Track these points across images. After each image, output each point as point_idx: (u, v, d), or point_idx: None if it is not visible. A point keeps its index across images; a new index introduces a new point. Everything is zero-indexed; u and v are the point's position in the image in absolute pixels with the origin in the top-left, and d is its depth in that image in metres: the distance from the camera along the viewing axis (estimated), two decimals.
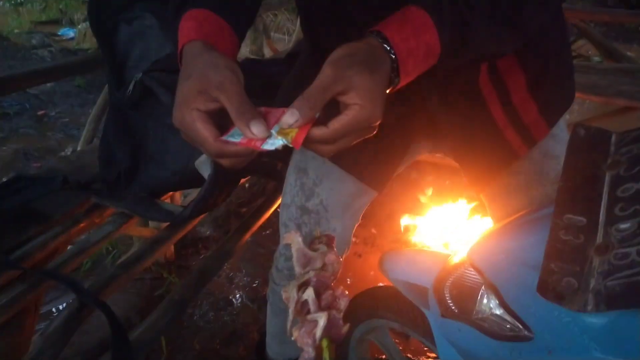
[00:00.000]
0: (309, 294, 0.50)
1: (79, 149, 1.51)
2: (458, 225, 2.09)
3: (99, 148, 1.20)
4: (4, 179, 2.18)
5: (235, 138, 0.54)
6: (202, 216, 1.22)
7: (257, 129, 0.52)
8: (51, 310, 1.73)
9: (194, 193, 1.11)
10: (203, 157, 1.08)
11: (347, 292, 0.55)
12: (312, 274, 0.52)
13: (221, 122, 0.55)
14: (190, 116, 0.53)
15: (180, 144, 1.14)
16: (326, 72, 0.53)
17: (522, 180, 0.89)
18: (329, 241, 0.56)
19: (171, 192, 1.34)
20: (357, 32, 0.64)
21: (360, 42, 0.56)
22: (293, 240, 0.56)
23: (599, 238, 0.58)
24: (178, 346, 1.66)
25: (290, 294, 0.50)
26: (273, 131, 0.54)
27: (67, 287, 0.86)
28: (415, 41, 0.56)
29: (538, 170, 0.87)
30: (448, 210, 2.21)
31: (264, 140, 0.53)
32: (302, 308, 0.50)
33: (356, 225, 1.03)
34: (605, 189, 0.64)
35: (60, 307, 1.74)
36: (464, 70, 0.77)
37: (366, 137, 0.57)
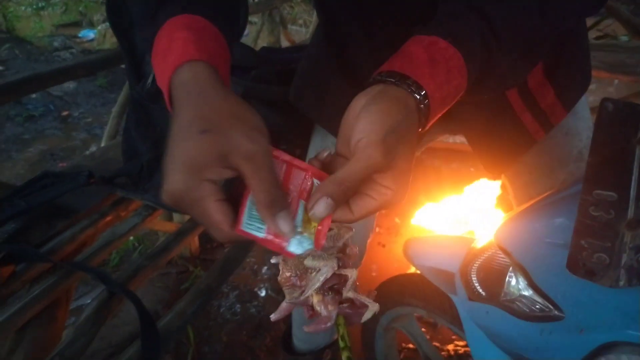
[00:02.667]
0: (354, 273, 0.48)
1: (102, 144, 1.54)
2: (482, 211, 2.06)
3: (122, 142, 1.21)
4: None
5: (257, 232, 0.43)
6: None
7: (284, 225, 0.42)
8: (81, 306, 1.77)
9: None
10: None
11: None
12: (337, 255, 0.49)
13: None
14: (201, 190, 0.40)
15: None
16: (372, 157, 0.42)
17: (545, 161, 0.87)
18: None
19: None
20: (374, 18, 0.62)
21: (397, 102, 0.45)
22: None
23: (630, 213, 0.56)
24: (205, 338, 1.69)
25: (324, 263, 0.47)
26: (298, 219, 0.44)
27: (95, 278, 0.88)
28: (448, 88, 0.48)
29: (560, 149, 0.86)
30: (472, 196, 2.19)
31: (288, 239, 0.43)
32: (328, 281, 0.47)
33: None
34: (636, 164, 0.62)
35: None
36: None
37: None
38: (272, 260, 0.50)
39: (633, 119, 0.71)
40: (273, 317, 0.50)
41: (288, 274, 0.48)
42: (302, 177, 0.46)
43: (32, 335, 0.84)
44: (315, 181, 0.46)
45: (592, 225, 0.56)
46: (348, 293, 0.48)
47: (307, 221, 0.44)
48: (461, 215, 2.13)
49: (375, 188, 0.44)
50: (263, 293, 1.89)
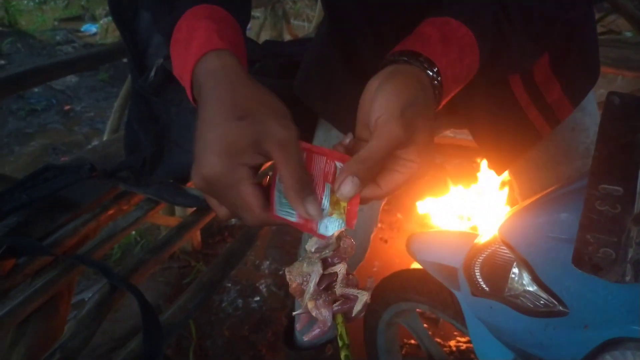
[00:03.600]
0: (341, 268, 0.49)
1: (104, 138, 1.54)
2: (485, 206, 2.06)
3: (124, 135, 1.21)
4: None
5: (289, 216, 0.45)
6: None
7: (312, 210, 0.44)
8: (83, 299, 1.77)
9: None
10: None
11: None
12: (329, 253, 0.49)
13: None
14: (238, 173, 0.42)
15: None
16: (393, 132, 0.42)
17: (551, 156, 0.86)
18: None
19: None
20: (380, 11, 0.61)
21: (412, 78, 0.46)
22: None
23: (637, 208, 0.55)
24: (207, 333, 1.69)
25: (311, 268, 0.48)
26: (325, 202, 0.46)
27: (98, 271, 0.88)
28: (460, 66, 0.49)
29: (567, 145, 0.85)
30: (474, 191, 2.18)
31: (317, 222, 0.46)
32: (320, 282, 0.48)
33: (383, 203, 1.03)
34: None
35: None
36: None
37: None
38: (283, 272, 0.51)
39: (638, 112, 0.70)
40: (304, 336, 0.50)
41: (295, 284, 0.48)
42: (324, 162, 0.47)
43: (33, 328, 0.84)
44: (338, 164, 0.47)
45: (598, 220, 0.56)
46: (338, 289, 0.49)
47: (335, 203, 0.46)
48: (464, 211, 2.12)
49: (401, 163, 0.45)
50: (265, 288, 1.89)
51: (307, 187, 0.43)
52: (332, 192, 0.45)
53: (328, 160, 0.47)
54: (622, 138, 0.66)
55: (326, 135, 0.94)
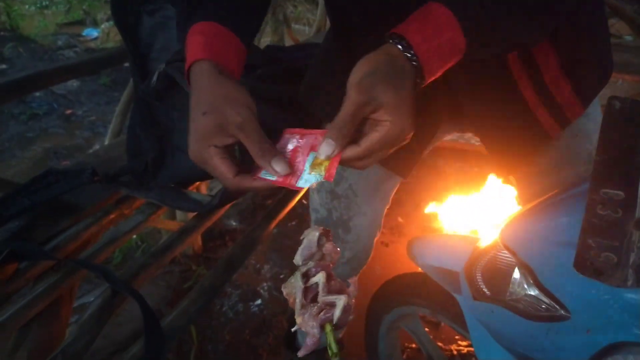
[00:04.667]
0: (320, 277, 0.51)
1: (106, 142, 1.54)
2: (487, 210, 2.06)
3: (126, 139, 1.21)
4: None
5: (270, 177, 0.55)
6: (227, 206, 1.23)
7: (279, 167, 0.54)
8: (84, 304, 1.77)
9: (220, 183, 1.12)
10: None
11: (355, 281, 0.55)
12: (312, 264, 0.53)
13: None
14: (208, 152, 0.54)
15: None
16: (352, 97, 0.52)
17: (553, 160, 0.85)
18: (326, 233, 0.56)
19: (197, 183, 1.35)
20: (386, 18, 0.62)
21: (380, 53, 0.54)
22: (310, 233, 0.56)
23: (638, 212, 0.56)
24: (208, 337, 1.69)
25: (295, 284, 0.52)
26: (307, 165, 0.55)
27: (99, 276, 0.88)
28: (438, 41, 0.54)
29: (570, 150, 0.84)
30: (476, 196, 2.18)
31: (297, 177, 0.55)
32: (306, 295, 0.51)
33: (387, 207, 1.03)
34: None
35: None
36: None
37: (400, 146, 0.57)
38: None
39: (639, 117, 0.70)
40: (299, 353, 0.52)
41: (291, 299, 0.52)
42: (313, 138, 0.58)
43: (35, 332, 0.84)
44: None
45: (599, 224, 0.56)
46: (320, 298, 0.50)
47: (318, 164, 0.55)
48: (466, 215, 2.12)
49: (374, 124, 0.54)
50: (265, 292, 1.89)
51: (268, 152, 0.54)
52: (316, 157, 0.55)
53: (317, 137, 0.58)
54: (623, 142, 0.67)
55: None
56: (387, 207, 1.04)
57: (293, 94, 1.09)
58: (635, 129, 0.67)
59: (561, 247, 0.65)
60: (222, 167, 0.54)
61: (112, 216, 1.09)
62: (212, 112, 0.55)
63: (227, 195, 1.06)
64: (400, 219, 2.26)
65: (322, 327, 0.50)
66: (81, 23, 6.66)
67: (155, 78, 1.12)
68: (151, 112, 1.18)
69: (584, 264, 0.53)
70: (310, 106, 0.93)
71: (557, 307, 0.62)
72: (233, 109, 0.54)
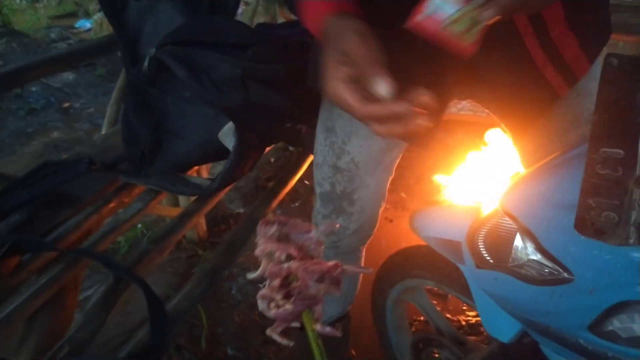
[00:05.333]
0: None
1: (103, 132, 1.53)
2: (489, 180, 2.04)
3: (121, 127, 1.20)
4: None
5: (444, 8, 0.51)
6: (228, 189, 1.22)
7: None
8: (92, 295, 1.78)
9: (221, 165, 1.11)
10: (226, 129, 1.08)
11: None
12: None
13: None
14: (332, 86, 0.54)
15: (200, 117, 1.13)
16: None
17: (557, 123, 0.85)
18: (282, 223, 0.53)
19: (197, 167, 1.35)
20: None
21: None
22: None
23: (639, 169, 0.55)
24: (218, 320, 1.70)
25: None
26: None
27: (101, 264, 0.88)
28: None
29: (572, 111, 0.83)
30: (478, 166, 2.17)
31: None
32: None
33: (390, 178, 1.03)
34: None
35: None
36: None
37: None
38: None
39: (637, 73, 0.69)
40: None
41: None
42: None
43: (41, 323, 0.84)
44: None
45: (599, 184, 0.55)
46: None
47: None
48: (469, 186, 2.11)
49: None
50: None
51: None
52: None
53: None
54: (621, 100, 0.65)
55: (329, 114, 0.95)
56: (391, 177, 1.04)
57: (288, 73, 1.08)
58: (633, 85, 0.65)
59: (562, 210, 0.64)
60: (345, 95, 0.53)
61: (112, 205, 1.09)
62: (328, 46, 0.56)
63: (227, 177, 1.06)
64: (402, 194, 2.25)
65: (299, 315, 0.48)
66: (73, 15, 6.59)
67: (146, 63, 1.11)
68: (144, 98, 1.17)
69: (585, 225, 0.52)
70: (318, 90, 0.92)
71: (560, 270, 0.61)
72: (345, 37, 0.55)
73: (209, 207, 1.15)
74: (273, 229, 0.50)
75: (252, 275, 0.51)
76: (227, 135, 1.04)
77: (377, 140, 0.92)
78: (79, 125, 3.45)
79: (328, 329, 0.50)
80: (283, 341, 0.51)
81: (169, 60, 1.07)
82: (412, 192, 2.26)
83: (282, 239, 0.51)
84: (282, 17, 3.55)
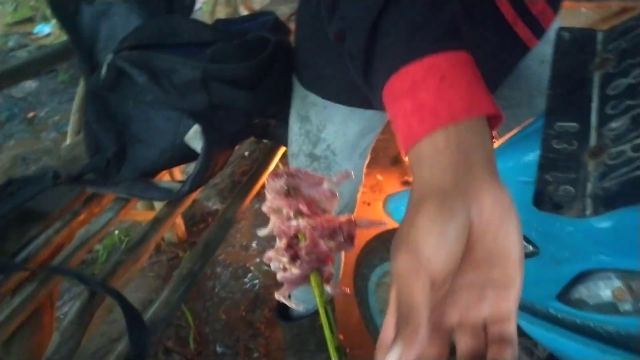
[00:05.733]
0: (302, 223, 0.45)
1: (67, 141, 1.50)
2: None
3: (84, 137, 1.17)
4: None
5: None
6: (201, 189, 1.21)
7: None
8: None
9: (194, 163, 1.10)
10: (192, 132, 1.06)
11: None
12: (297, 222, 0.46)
13: None
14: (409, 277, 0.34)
15: (164, 121, 1.11)
16: None
17: (523, 91, 0.88)
18: (291, 175, 0.48)
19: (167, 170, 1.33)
20: None
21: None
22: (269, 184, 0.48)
23: (592, 141, 0.56)
24: (204, 319, 1.70)
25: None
26: None
27: (74, 279, 0.87)
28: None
29: (537, 78, 0.86)
30: None
31: None
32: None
33: (366, 162, 1.05)
34: (595, 90, 0.62)
35: None
36: None
37: None
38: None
39: (589, 45, 0.70)
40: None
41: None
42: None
43: (19, 345, 0.83)
44: None
45: (556, 159, 0.56)
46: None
47: None
48: None
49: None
50: (255, 268, 1.89)
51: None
52: None
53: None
54: (574, 74, 0.66)
55: (303, 102, 0.95)
56: (367, 161, 1.06)
57: (249, 70, 1.06)
58: (585, 58, 0.66)
59: (527, 186, 0.65)
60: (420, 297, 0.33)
61: (81, 217, 1.07)
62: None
63: (197, 180, 1.05)
64: (379, 177, 2.27)
65: (307, 277, 0.44)
66: (31, 20, 6.40)
67: (104, 70, 1.08)
68: (105, 105, 1.14)
69: (543, 200, 0.53)
70: (306, 87, 0.92)
71: (525, 244, 0.62)
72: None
73: (182, 209, 1.14)
74: (281, 182, 0.45)
75: (262, 232, 0.47)
76: (194, 138, 1.03)
77: (352, 125, 0.93)
78: (45, 135, 3.37)
79: (339, 290, 0.47)
80: (292, 304, 0.48)
81: (127, 66, 1.05)
82: (389, 174, 2.27)
83: (292, 192, 0.46)
84: (244, 7, 3.51)
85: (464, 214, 0.34)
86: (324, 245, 0.45)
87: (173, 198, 1.11)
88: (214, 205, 2.24)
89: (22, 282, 0.92)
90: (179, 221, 1.92)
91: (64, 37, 5.33)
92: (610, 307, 0.56)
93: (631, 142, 0.51)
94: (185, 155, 1.13)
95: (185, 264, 0.99)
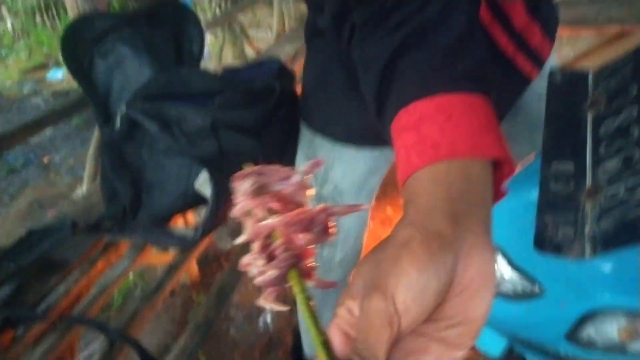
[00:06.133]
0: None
1: (84, 188, 1.54)
2: None
3: (101, 185, 1.22)
4: (22, 234, 2.24)
5: None
6: (213, 234, 1.24)
7: None
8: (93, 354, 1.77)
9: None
10: (202, 178, 1.10)
11: None
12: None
13: None
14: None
15: (176, 168, 1.16)
16: None
17: (523, 125, 0.89)
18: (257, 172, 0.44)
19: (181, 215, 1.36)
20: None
21: None
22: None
23: (588, 181, 0.58)
24: None
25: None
26: None
27: (94, 329, 0.89)
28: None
29: (536, 112, 0.88)
30: None
31: None
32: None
33: (371, 206, 1.05)
34: (589, 130, 0.64)
35: None
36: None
37: None
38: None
39: (581, 86, 0.73)
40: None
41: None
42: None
43: None
44: None
45: (554, 200, 0.58)
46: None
47: None
48: None
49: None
50: (269, 309, 1.89)
51: None
52: None
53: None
54: (568, 114, 0.69)
55: (310, 143, 0.97)
56: (373, 202, 1.06)
57: (256, 117, 1.10)
58: (577, 99, 0.69)
59: (529, 225, 0.67)
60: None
61: (99, 265, 1.10)
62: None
63: (208, 226, 1.08)
64: (389, 210, 2.28)
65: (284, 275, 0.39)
66: (44, 66, 6.60)
67: (118, 122, 1.13)
68: (120, 154, 1.19)
69: (544, 242, 0.55)
70: (312, 126, 0.93)
71: (532, 284, 0.64)
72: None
73: (196, 253, 1.17)
74: (248, 183, 0.43)
75: (238, 241, 0.44)
76: (204, 185, 1.07)
77: (360, 165, 0.93)
78: (60, 180, 3.45)
79: (324, 281, 0.43)
80: (277, 308, 0.42)
81: (140, 117, 1.10)
82: (399, 208, 2.29)
83: (261, 191, 0.43)
84: (250, 47, 3.62)
85: (450, 271, 0.33)
86: (300, 239, 0.41)
87: (185, 245, 1.14)
88: (226, 245, 2.26)
89: (44, 333, 0.94)
90: (192, 263, 1.94)
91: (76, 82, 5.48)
92: (619, 347, 0.57)
93: (624, 184, 0.53)
94: (197, 200, 1.17)
95: (201, 310, 1.01)
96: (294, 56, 2.59)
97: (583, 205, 0.56)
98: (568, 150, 0.63)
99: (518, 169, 0.80)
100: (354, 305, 0.34)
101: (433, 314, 0.33)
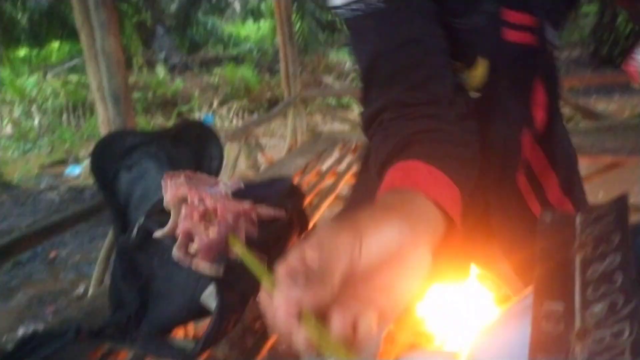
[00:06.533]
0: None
1: (90, 292, 1.56)
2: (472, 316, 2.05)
3: (109, 292, 1.24)
4: (20, 331, 2.19)
5: None
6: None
7: None
8: None
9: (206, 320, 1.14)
10: (208, 291, 1.13)
11: None
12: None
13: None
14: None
15: (185, 279, 1.19)
16: None
17: None
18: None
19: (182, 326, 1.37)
20: None
21: None
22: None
23: (577, 323, 0.60)
24: None
25: None
26: None
27: None
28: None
29: None
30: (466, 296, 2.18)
31: None
32: None
33: (384, 334, 1.06)
34: (577, 272, 0.68)
35: None
36: (507, 170, 0.84)
37: None
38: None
39: (569, 228, 0.78)
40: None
41: None
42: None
43: None
44: None
45: (545, 341, 0.61)
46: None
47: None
48: (456, 318, 2.11)
49: None
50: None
51: None
52: None
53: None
54: (558, 255, 0.74)
55: None
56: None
57: (266, 234, 1.16)
58: (566, 240, 0.74)
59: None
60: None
61: None
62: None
63: (209, 340, 1.09)
64: (391, 326, 2.24)
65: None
66: (64, 162, 6.85)
67: (135, 232, 1.19)
68: (132, 262, 1.23)
69: None
70: None
71: None
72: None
73: None
74: (181, 178, 0.48)
75: (160, 233, 0.47)
76: (209, 297, 1.10)
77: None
78: (64, 276, 3.46)
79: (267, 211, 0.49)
80: (211, 270, 0.48)
81: (156, 228, 1.16)
82: (401, 324, 2.25)
83: (193, 185, 0.47)
84: (264, 158, 3.79)
85: (400, 237, 0.45)
86: (232, 220, 0.46)
87: (186, 358, 1.14)
88: (223, 352, 2.21)
89: None
90: None
91: (91, 179, 5.67)
92: None
93: (610, 329, 0.56)
94: (201, 312, 1.19)
95: None
96: (304, 169, 2.71)
97: (573, 347, 0.58)
98: (558, 290, 0.67)
99: (513, 302, 0.83)
100: (309, 251, 0.41)
101: (372, 278, 0.42)
